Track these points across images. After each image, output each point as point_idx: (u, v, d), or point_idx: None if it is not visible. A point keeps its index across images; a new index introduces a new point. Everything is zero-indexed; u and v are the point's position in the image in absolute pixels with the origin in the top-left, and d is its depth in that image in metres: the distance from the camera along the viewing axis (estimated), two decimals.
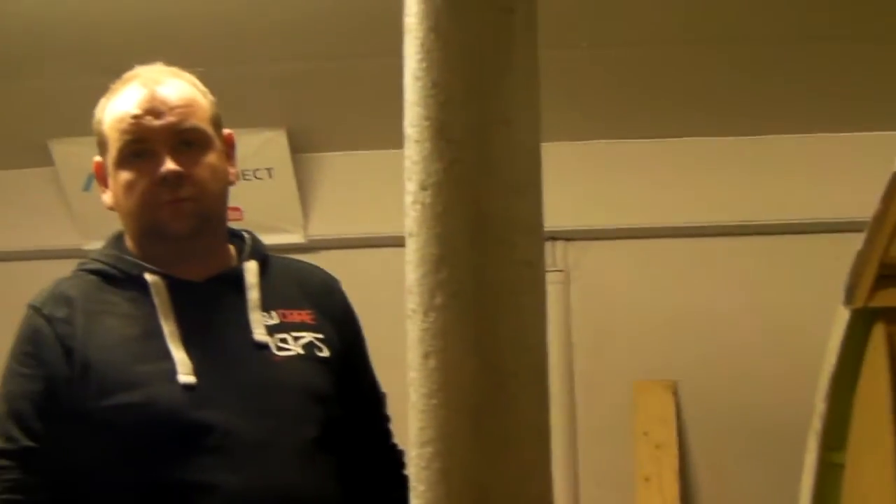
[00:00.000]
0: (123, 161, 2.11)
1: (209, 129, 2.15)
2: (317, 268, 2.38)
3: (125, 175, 2.11)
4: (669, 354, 4.58)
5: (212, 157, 2.14)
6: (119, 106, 2.12)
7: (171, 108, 2.10)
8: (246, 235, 2.29)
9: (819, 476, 3.25)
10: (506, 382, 1.48)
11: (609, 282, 4.68)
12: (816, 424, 3.26)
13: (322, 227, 4.67)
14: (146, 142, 2.09)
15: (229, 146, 2.22)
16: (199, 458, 2.04)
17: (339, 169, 4.70)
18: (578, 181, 4.46)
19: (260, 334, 2.15)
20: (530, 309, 1.52)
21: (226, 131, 2.21)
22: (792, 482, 3.31)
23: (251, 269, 2.21)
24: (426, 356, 1.47)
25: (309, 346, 2.19)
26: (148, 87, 2.11)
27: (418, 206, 1.49)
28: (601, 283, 4.67)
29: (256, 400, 2.11)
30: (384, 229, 4.02)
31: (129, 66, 2.19)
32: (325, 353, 2.19)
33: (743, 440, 4.53)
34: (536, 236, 1.55)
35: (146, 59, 2.21)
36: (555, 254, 4.61)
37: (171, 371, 2.05)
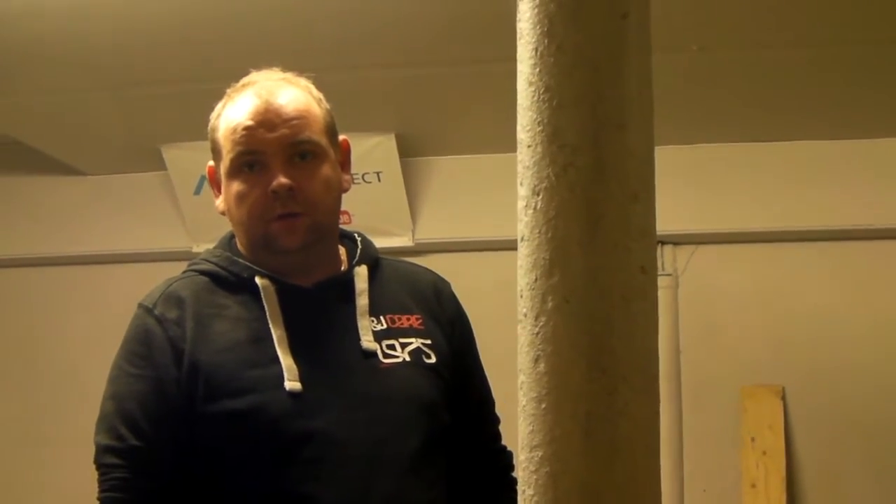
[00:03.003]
0: (236, 171, 2.11)
1: (323, 140, 2.14)
2: (428, 270, 2.37)
3: (237, 185, 2.11)
4: (777, 359, 4.54)
5: (325, 169, 2.13)
6: (233, 115, 2.12)
7: (285, 120, 2.10)
8: (357, 238, 2.28)
9: None
10: (616, 387, 1.47)
11: (717, 286, 4.65)
12: None
13: (430, 231, 4.68)
14: (259, 154, 2.09)
15: (344, 153, 2.22)
16: (302, 468, 2.05)
17: (447, 173, 4.72)
18: (687, 185, 4.43)
19: (367, 341, 2.14)
20: (642, 314, 1.51)
21: (341, 137, 2.20)
22: None
23: (361, 273, 2.21)
24: (536, 360, 1.47)
25: (416, 353, 2.17)
26: (262, 98, 2.11)
27: (530, 211, 1.49)
28: (709, 288, 4.64)
29: (362, 409, 2.10)
30: (492, 233, 4.03)
31: (242, 72, 2.19)
32: (433, 359, 2.18)
33: (851, 447, 4.47)
34: (649, 241, 1.54)
35: (259, 64, 2.21)
36: (663, 258, 4.59)
37: (279, 377, 2.06)
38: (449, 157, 4.72)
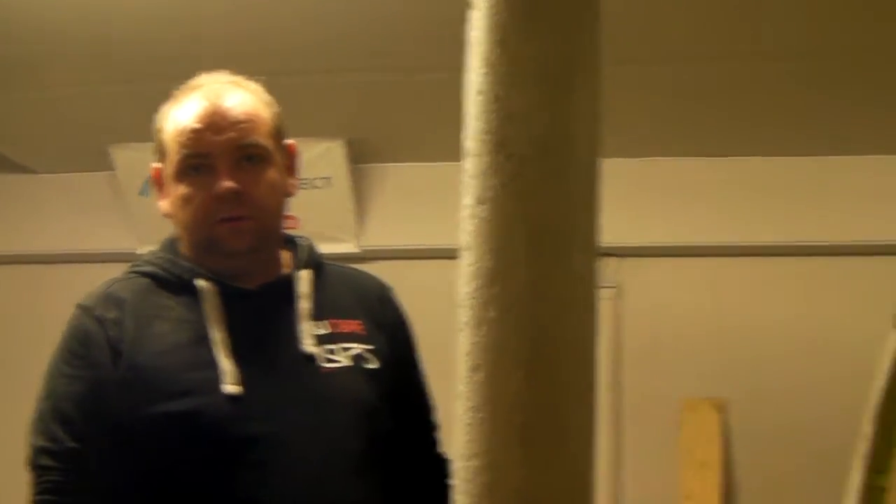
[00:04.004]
0: (182, 174, 2.10)
1: (270, 144, 2.13)
2: (372, 276, 2.37)
3: (183, 188, 2.10)
4: (719, 373, 4.57)
5: (272, 173, 2.13)
6: (180, 117, 2.11)
7: (232, 123, 2.09)
8: (302, 242, 2.28)
9: (862, 499, 3.23)
10: (554, 398, 1.48)
11: (660, 299, 4.67)
12: (862, 446, 3.24)
13: (377, 238, 4.69)
14: (205, 156, 2.08)
15: (292, 157, 2.21)
16: (241, 472, 2.04)
17: (396, 180, 4.72)
18: (634, 198, 4.45)
19: (308, 345, 2.14)
20: (583, 325, 1.52)
21: (288, 142, 2.20)
22: (837, 501, 3.29)
23: (303, 277, 2.20)
24: (475, 369, 1.47)
25: (358, 358, 2.17)
26: (210, 100, 2.10)
27: (475, 221, 1.49)
28: (652, 301, 4.66)
29: (302, 413, 2.10)
30: (438, 241, 4.02)
31: (191, 74, 2.18)
32: (374, 364, 2.18)
33: (790, 460, 4.51)
34: (592, 253, 1.55)
35: (208, 67, 2.20)
36: (608, 270, 4.61)
37: (218, 380, 2.05)
38: (398, 164, 4.72)
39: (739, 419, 4.52)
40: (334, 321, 2.21)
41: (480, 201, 1.49)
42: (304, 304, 2.18)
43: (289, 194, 2.20)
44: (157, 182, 2.19)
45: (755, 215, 4.56)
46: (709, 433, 4.47)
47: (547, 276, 1.48)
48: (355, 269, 2.41)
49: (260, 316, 2.15)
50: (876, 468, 3.23)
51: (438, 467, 2.28)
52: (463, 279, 1.50)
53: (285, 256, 2.25)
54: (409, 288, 2.54)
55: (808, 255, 4.61)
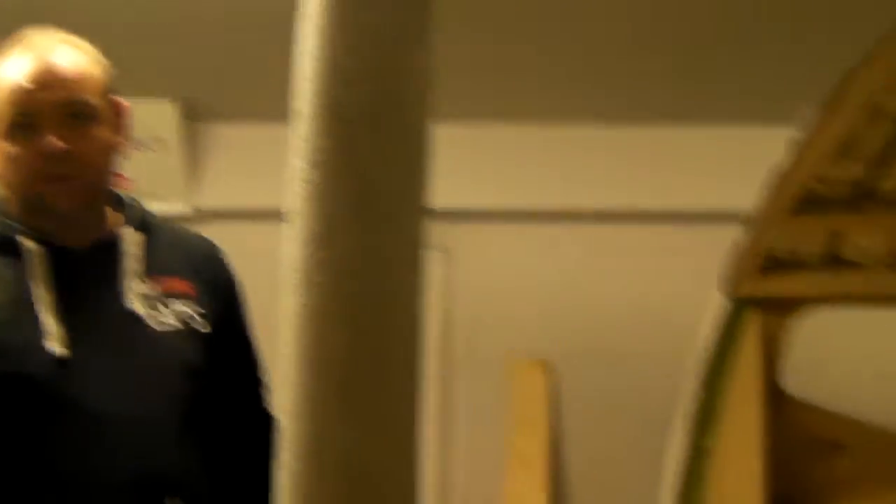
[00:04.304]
0: (9, 133, 2.05)
1: (100, 102, 2.10)
2: (202, 237, 2.36)
3: (10, 147, 2.06)
4: (547, 335, 4.63)
5: (101, 131, 2.09)
6: (9, 75, 2.06)
7: (62, 82, 2.06)
8: (130, 202, 2.26)
9: (686, 458, 3.32)
10: (380, 360, 1.49)
11: (490, 263, 4.71)
12: (687, 407, 3.33)
13: (209, 199, 4.63)
14: (33, 115, 2.04)
15: (121, 117, 2.18)
16: (63, 434, 2.02)
17: (229, 141, 4.67)
18: (464, 162, 4.47)
19: (135, 305, 2.13)
20: (410, 288, 1.53)
21: (119, 100, 2.17)
22: (662, 462, 3.38)
23: (131, 236, 2.18)
24: (301, 331, 1.48)
25: (185, 319, 2.17)
26: (39, 58, 2.06)
27: (305, 184, 1.49)
28: (482, 264, 4.70)
29: (130, 374, 2.09)
30: (273, 203, 4.00)
31: (19, 29, 2.14)
32: (203, 325, 2.18)
33: (616, 421, 4.60)
34: (420, 216, 1.56)
35: (36, 23, 2.17)
36: (437, 233, 4.62)
37: (42, 341, 2.02)
38: (232, 124, 4.67)
39: (568, 381, 4.59)
40: (163, 281, 2.19)
41: (311, 164, 1.49)
42: (133, 265, 2.16)
43: (118, 154, 2.17)
44: None
45: (586, 181, 4.62)
46: (537, 394, 4.53)
47: (376, 240, 1.49)
48: (185, 230, 2.39)
49: (87, 276, 2.12)
50: (700, 429, 3.33)
51: (267, 428, 2.29)
52: (293, 242, 1.50)
53: (115, 216, 2.21)
54: (241, 249, 2.53)
55: (637, 222, 4.69)
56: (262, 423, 2.29)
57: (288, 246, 1.51)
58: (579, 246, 4.70)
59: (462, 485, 4.62)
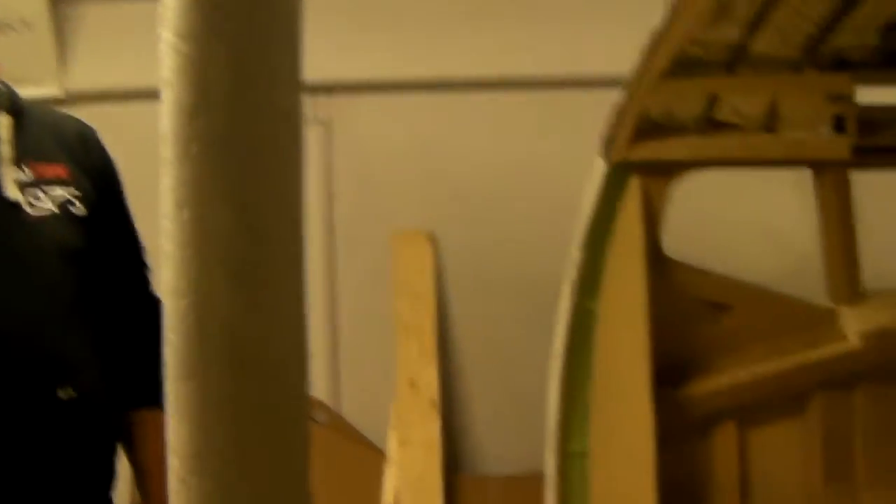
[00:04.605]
0: None
1: None
2: (74, 118, 2.32)
3: None
4: (430, 206, 4.64)
5: None
6: None
7: None
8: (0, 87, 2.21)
9: (573, 322, 3.36)
10: (262, 233, 1.47)
11: (370, 135, 4.69)
12: (571, 273, 3.36)
13: (81, 80, 4.54)
14: None
15: None
16: None
17: (99, 18, 4.57)
18: (341, 33, 4.43)
19: (12, 192, 2.10)
20: (288, 160, 1.51)
21: None
22: (548, 329, 3.41)
23: (3, 122, 2.14)
24: (180, 206, 1.45)
25: (64, 204, 2.14)
26: None
27: (174, 55, 1.46)
28: (362, 137, 4.68)
29: (9, 263, 2.07)
30: (145, 82, 3.93)
31: None
32: (81, 209, 2.15)
33: (501, 289, 4.64)
34: (295, 87, 1.54)
35: None
36: (316, 107, 4.59)
37: None
38: (100, 3, 4.56)
39: (452, 251, 4.62)
40: (37, 166, 2.15)
41: (179, 35, 1.46)
42: (5, 150, 2.12)
43: None
44: None
45: (466, 48, 4.60)
46: (421, 265, 4.55)
47: (249, 112, 1.46)
48: (58, 113, 2.36)
49: None
50: (585, 293, 3.37)
51: (152, 309, 2.27)
52: (164, 115, 1.47)
53: None
54: (116, 130, 2.50)
55: (518, 88, 4.69)
56: (149, 306, 2.28)
57: (162, 120, 1.48)
58: (460, 115, 4.69)
59: (350, 357, 4.65)
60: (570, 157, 3.89)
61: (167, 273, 1.49)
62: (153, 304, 2.27)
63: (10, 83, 2.27)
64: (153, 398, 1.93)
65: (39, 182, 2.15)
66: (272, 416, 1.51)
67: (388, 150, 4.67)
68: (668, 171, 3.39)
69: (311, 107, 4.48)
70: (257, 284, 1.48)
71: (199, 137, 1.44)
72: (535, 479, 3.47)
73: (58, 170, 2.19)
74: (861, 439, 3.67)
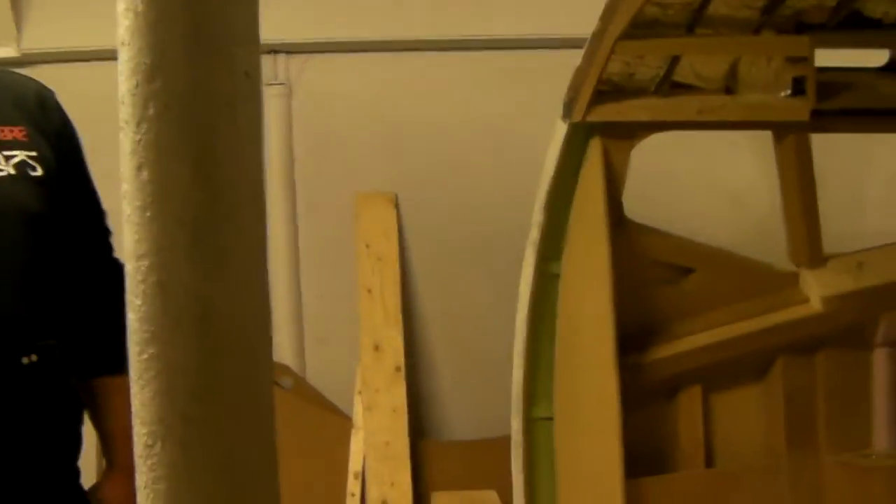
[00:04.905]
0: None
1: None
2: (32, 80, 2.30)
3: None
4: (391, 167, 4.63)
5: None
6: None
7: None
8: None
9: (536, 285, 3.36)
10: (222, 194, 1.46)
11: (331, 95, 4.66)
12: (534, 235, 3.36)
13: (37, 41, 4.50)
14: None
15: None
16: None
17: None
18: None
19: None
20: (247, 120, 1.50)
21: None
22: (512, 292, 3.42)
23: None
24: (139, 168, 1.44)
25: (21, 166, 2.12)
26: None
27: (131, 14, 1.44)
28: (324, 97, 4.65)
29: None
30: (102, 42, 3.90)
31: None
32: (39, 172, 2.13)
33: (464, 251, 4.64)
34: (253, 47, 1.52)
35: None
36: (277, 67, 4.56)
37: None
38: None
39: (413, 213, 4.61)
40: None
41: None
42: None
43: None
44: None
45: (427, 8, 4.58)
46: (384, 226, 4.54)
47: (207, 71, 1.45)
48: (16, 75, 2.33)
49: None
50: (548, 255, 3.37)
51: (115, 274, 2.26)
52: (121, 76, 1.46)
53: None
54: (73, 91, 2.47)
55: (480, 49, 4.68)
56: (111, 271, 2.27)
57: (120, 80, 1.47)
58: (422, 76, 4.68)
59: (314, 321, 4.64)
60: (533, 118, 3.89)
61: (128, 235, 1.47)
62: (116, 269, 2.25)
63: None
64: (118, 365, 1.92)
65: None
66: (236, 380, 1.51)
67: (349, 110, 4.65)
68: (628, 132, 3.39)
69: (271, 67, 4.46)
70: (218, 245, 1.47)
71: (156, 98, 1.43)
72: (501, 444, 3.48)
73: (16, 132, 2.16)
74: (823, 402, 3.70)
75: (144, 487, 1.49)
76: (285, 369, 4.54)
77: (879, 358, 3.73)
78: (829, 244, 3.72)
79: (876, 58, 3.71)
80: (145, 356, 1.47)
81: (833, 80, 3.57)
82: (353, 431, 4.42)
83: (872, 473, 3.68)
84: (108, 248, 2.32)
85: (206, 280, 1.47)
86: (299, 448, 4.24)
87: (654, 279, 3.58)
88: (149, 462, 1.48)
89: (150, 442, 1.48)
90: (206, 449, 1.48)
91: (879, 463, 3.71)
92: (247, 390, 1.53)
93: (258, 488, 1.56)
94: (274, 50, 4.42)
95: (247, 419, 1.53)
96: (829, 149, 3.73)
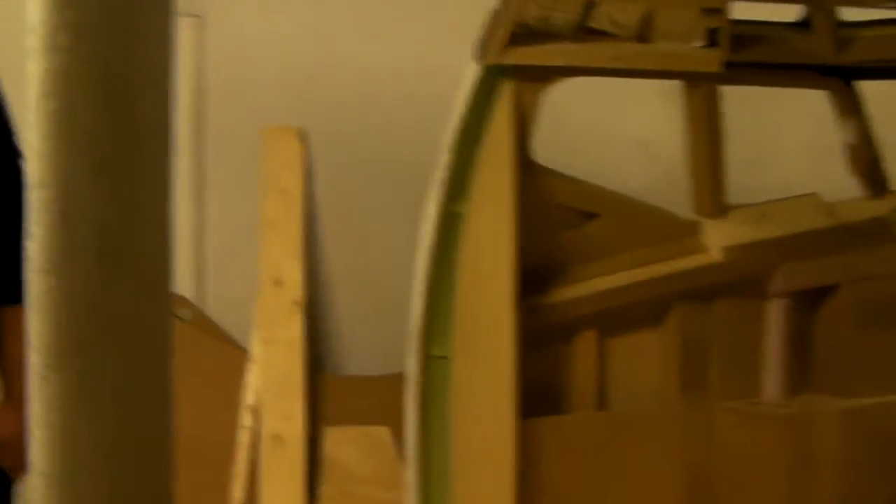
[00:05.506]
0: None
1: None
2: None
3: None
4: (301, 104, 4.60)
5: None
6: None
7: None
8: None
9: (440, 224, 3.37)
10: (130, 125, 1.45)
11: (245, 29, 4.62)
12: (440, 175, 3.36)
13: None
14: None
15: None
16: None
17: None
18: None
19: None
20: (159, 52, 1.49)
21: None
22: (417, 231, 3.42)
23: None
24: (46, 97, 1.42)
25: None
26: None
27: None
28: (236, 30, 4.61)
29: None
30: None
31: None
32: None
33: (371, 189, 4.64)
34: None
35: None
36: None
37: None
38: None
39: (322, 149, 4.59)
40: None
41: None
42: None
43: None
44: None
45: None
46: (290, 162, 4.51)
47: (121, 3, 1.43)
48: None
49: None
50: (453, 195, 3.37)
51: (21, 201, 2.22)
52: (31, 4, 1.43)
53: None
54: None
55: None
56: (17, 199, 2.24)
57: (29, 8, 1.44)
58: (335, 11, 4.65)
59: (216, 253, 4.62)
60: (446, 58, 3.87)
61: (32, 165, 1.46)
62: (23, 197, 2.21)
63: None
64: (17, 294, 1.89)
65: None
66: (135, 311, 1.50)
67: (262, 44, 4.61)
68: (541, 76, 3.39)
69: None
70: (123, 177, 1.46)
71: (67, 26, 1.41)
72: (399, 381, 3.49)
73: None
74: (717, 351, 3.75)
75: (38, 418, 1.48)
76: (184, 301, 4.51)
77: (774, 308, 3.79)
78: (736, 196, 3.76)
79: (790, 12, 3.75)
80: (44, 285, 1.46)
81: (747, 33, 3.60)
82: (250, 365, 4.41)
83: (761, 422, 3.75)
84: (19, 175, 2.29)
85: (109, 211, 1.45)
86: (195, 380, 4.22)
87: (558, 223, 3.59)
88: (43, 393, 1.47)
89: (44, 373, 1.47)
90: (103, 380, 1.48)
91: (768, 411, 3.78)
92: (145, 322, 1.53)
93: (153, 419, 1.55)
94: None
95: (144, 350, 1.53)
96: (740, 102, 3.76)
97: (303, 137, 4.56)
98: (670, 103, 3.91)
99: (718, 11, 3.41)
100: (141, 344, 1.52)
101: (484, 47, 3.30)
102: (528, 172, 3.42)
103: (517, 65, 3.32)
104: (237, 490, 4.29)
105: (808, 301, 3.86)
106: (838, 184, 3.96)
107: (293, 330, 4.37)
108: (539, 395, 3.53)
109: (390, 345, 4.07)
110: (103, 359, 1.47)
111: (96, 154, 1.43)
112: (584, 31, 3.42)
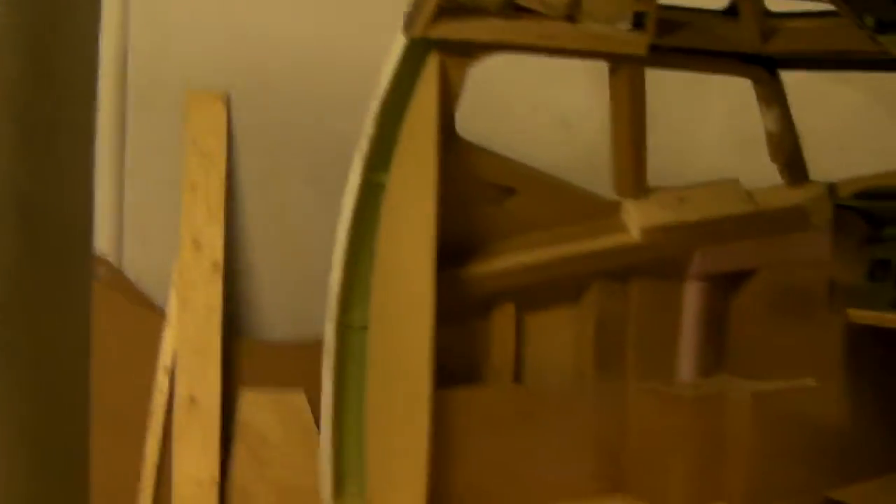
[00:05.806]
0: None
1: None
2: None
3: None
4: (226, 67, 4.55)
5: None
6: None
7: None
8: None
9: (361, 194, 3.36)
10: (52, 89, 1.43)
11: None
12: (363, 145, 3.35)
13: None
14: None
15: None
16: None
17: None
18: None
19: None
20: (85, 16, 1.48)
21: None
22: (339, 200, 3.41)
23: None
24: None
25: None
26: None
27: None
28: None
29: None
30: None
31: None
32: None
33: (293, 157, 4.61)
34: None
35: None
36: None
37: None
38: None
39: (243, 114, 4.55)
40: None
41: None
42: None
43: None
44: None
45: None
46: (213, 125, 4.47)
47: None
48: None
49: None
50: (375, 166, 3.37)
51: None
52: None
53: None
54: None
55: None
56: None
57: None
58: None
59: (135, 214, 4.57)
60: (373, 30, 3.86)
61: None
62: None
63: None
64: None
65: None
66: (55, 270, 1.49)
67: (188, 9, 4.55)
68: (467, 51, 3.39)
69: None
70: (45, 135, 1.44)
71: None
72: (316, 348, 3.48)
73: None
74: (633, 330, 3.79)
75: None
76: (102, 261, 4.46)
77: (690, 290, 3.84)
78: (657, 180, 3.79)
79: (717, 1, 3.79)
80: None
81: (674, 19, 3.63)
82: (166, 327, 4.39)
83: (675, 402, 3.79)
84: None
85: (30, 169, 1.44)
86: (112, 341, 4.19)
87: (478, 198, 3.60)
88: None
89: None
90: (22, 338, 1.46)
91: (682, 392, 3.83)
92: (65, 281, 1.52)
93: (70, 382, 1.55)
94: None
95: (64, 310, 1.52)
96: (663, 87, 3.79)
97: (228, 102, 4.53)
98: (594, 83, 3.94)
99: None
100: (61, 307, 1.51)
101: (411, 20, 3.29)
102: (452, 146, 3.42)
103: (444, 39, 3.32)
104: (151, 450, 4.28)
105: (724, 285, 3.91)
106: (760, 172, 4.01)
107: (211, 293, 4.35)
108: (456, 367, 3.54)
109: (309, 311, 4.06)
110: (23, 317, 1.45)
111: (17, 109, 1.41)
112: (513, 9, 3.42)
